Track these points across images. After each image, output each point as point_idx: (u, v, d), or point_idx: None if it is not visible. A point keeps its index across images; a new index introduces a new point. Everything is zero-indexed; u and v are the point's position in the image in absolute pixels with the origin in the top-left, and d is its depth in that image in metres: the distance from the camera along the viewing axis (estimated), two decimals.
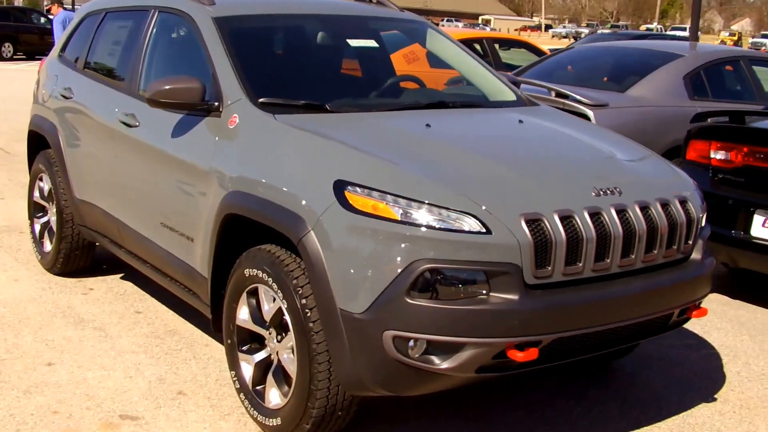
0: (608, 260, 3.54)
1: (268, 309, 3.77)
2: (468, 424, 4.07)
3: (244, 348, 3.99)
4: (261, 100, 4.11)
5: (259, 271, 3.73)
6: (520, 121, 4.38)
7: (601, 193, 3.60)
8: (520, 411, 4.21)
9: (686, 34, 44.38)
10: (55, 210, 5.78)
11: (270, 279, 3.67)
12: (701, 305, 3.97)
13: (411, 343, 3.33)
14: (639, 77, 7.37)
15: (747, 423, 4.25)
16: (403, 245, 3.30)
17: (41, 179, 5.98)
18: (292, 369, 3.66)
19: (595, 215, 3.51)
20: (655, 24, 68.07)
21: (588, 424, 4.14)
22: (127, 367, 4.55)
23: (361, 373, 3.41)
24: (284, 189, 3.63)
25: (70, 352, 4.71)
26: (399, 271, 3.28)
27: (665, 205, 3.75)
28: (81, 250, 5.75)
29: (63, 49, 6.07)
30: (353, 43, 5.08)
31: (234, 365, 4.03)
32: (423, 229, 3.31)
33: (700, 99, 7.32)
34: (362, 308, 3.34)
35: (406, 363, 3.35)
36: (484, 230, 3.29)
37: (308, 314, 3.51)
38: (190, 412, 4.08)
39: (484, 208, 3.35)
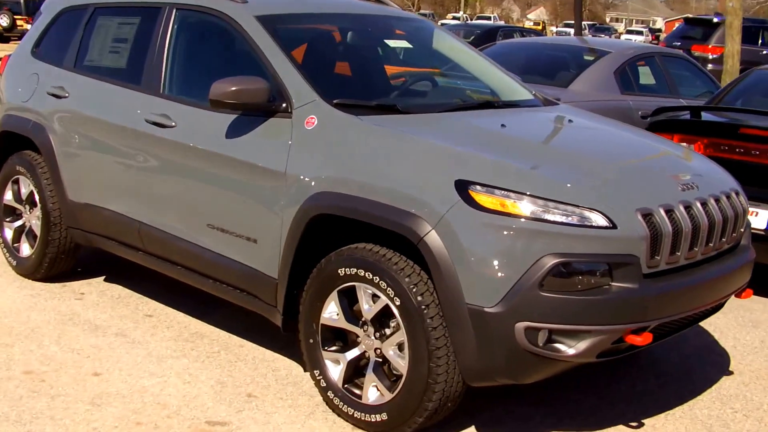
0: (696, 249, 3.87)
1: (368, 308, 3.85)
2: (539, 410, 4.30)
3: (331, 347, 4.05)
4: (336, 101, 4.16)
5: (360, 270, 3.80)
6: (570, 121, 4.65)
7: (686, 188, 3.93)
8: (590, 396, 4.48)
9: (491, 23, 46.18)
10: (38, 213, 5.53)
11: (375, 278, 3.75)
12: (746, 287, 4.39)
13: (540, 333, 3.53)
14: (575, 73, 7.81)
15: (754, 390, 4.71)
16: (534, 241, 3.49)
17: (16, 182, 5.70)
18: (401, 364, 3.77)
19: (688, 208, 3.83)
20: (461, 14, 70.42)
21: (635, 399, 4.46)
22: (178, 373, 4.48)
23: (488, 364, 3.58)
24: (395, 189, 3.72)
25: (108, 361, 4.58)
26: (530, 265, 3.47)
27: (728, 197, 4.13)
28: (67, 253, 5.55)
29: (37, 45, 5.79)
30: (391, 43, 5.18)
31: (317, 364, 4.08)
32: (553, 225, 3.51)
33: (628, 93, 7.86)
34: (492, 302, 3.51)
35: (534, 352, 3.54)
36: (609, 225, 3.54)
37: (425, 311, 3.63)
38: (272, 413, 4.10)
39: (607, 203, 3.59)
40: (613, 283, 3.56)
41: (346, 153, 3.96)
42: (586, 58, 8.03)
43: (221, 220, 4.42)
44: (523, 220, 3.52)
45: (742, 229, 4.28)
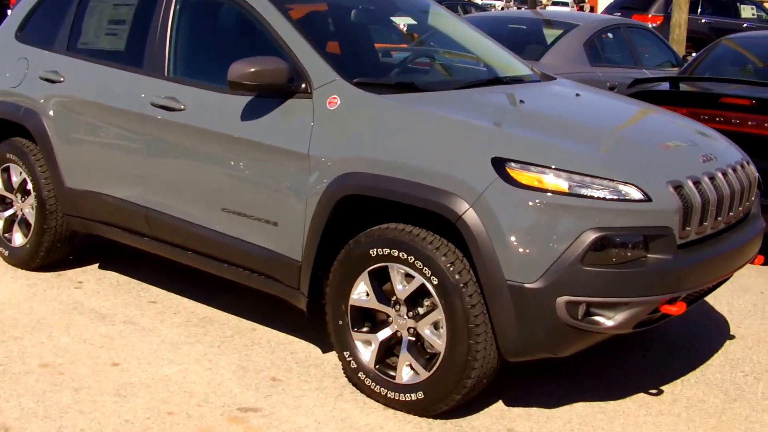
0: (720, 218, 3.93)
1: (402, 288, 3.81)
2: (562, 383, 4.34)
3: (361, 328, 4.02)
4: (356, 80, 4.10)
5: (394, 250, 3.76)
6: (577, 95, 4.66)
7: (706, 159, 3.98)
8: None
9: None
10: (31, 202, 5.36)
11: (410, 257, 3.72)
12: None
13: (580, 306, 3.55)
14: (544, 47, 7.84)
15: (759, 353, 4.82)
16: (574, 216, 3.50)
17: (6, 170, 5.51)
18: (438, 343, 3.75)
19: (711, 179, 3.88)
20: None
21: (649, 368, 4.53)
22: (197, 359, 4.40)
23: (529, 339, 3.58)
24: (429, 168, 3.68)
25: (124, 350, 4.48)
26: (572, 240, 3.48)
27: (742, 167, 4.19)
28: (63, 242, 5.40)
29: (21, 28, 5.57)
30: (396, 20, 5.12)
31: (346, 346, 4.04)
32: (592, 200, 3.52)
33: (597, 65, 7.93)
34: (533, 278, 3.51)
35: (574, 326, 3.56)
36: (645, 198, 3.56)
37: (464, 289, 3.62)
38: (300, 397, 4.05)
39: (640, 177, 3.61)
40: (649, 255, 3.59)
41: (374, 132, 3.91)
42: (551, 30, 8.06)
43: (237, 204, 4.34)
44: (562, 195, 3.52)
45: (753, 198, 4.35)
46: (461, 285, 3.62)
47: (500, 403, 4.08)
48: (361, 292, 3.96)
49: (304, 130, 4.04)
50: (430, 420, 3.88)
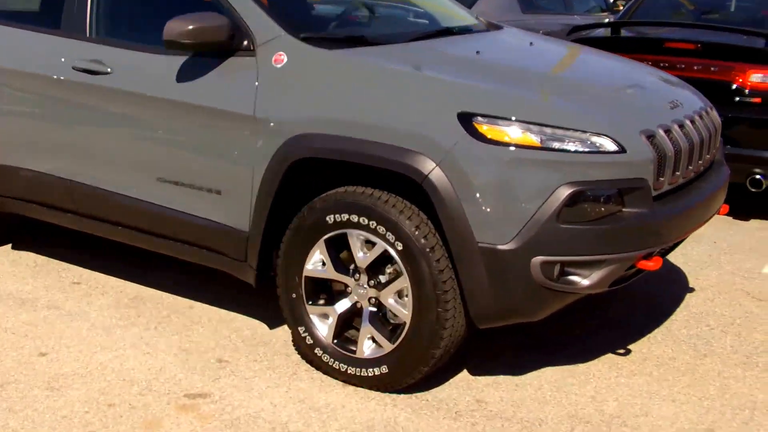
0: (691, 167, 3.88)
1: (363, 255, 3.66)
2: (525, 348, 4.26)
3: (317, 301, 3.86)
4: (303, 35, 3.90)
5: (353, 216, 3.60)
6: (531, 44, 4.55)
7: (673, 106, 3.92)
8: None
9: None
10: None
11: (372, 222, 3.56)
12: None
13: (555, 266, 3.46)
14: None
15: (737, 305, 4.85)
16: (548, 171, 3.38)
17: None
18: (403, 313, 3.62)
19: (681, 127, 3.82)
20: None
21: (613, 327, 4.51)
22: (133, 344, 4.18)
23: (502, 303, 3.48)
24: (391, 126, 3.51)
25: (50, 338, 4.22)
26: (546, 197, 3.37)
27: (707, 113, 4.16)
28: None
29: None
30: None
31: (301, 321, 3.88)
32: (565, 153, 3.41)
33: (528, 12, 7.86)
34: (506, 239, 3.40)
35: (550, 287, 3.47)
36: (619, 149, 3.47)
37: (431, 254, 3.49)
38: (251, 378, 3.87)
39: (612, 127, 3.52)
40: (624, 209, 3.50)
41: (326, 90, 3.72)
42: None
43: (175, 173, 4.10)
44: (533, 150, 3.40)
45: (718, 145, 4.33)
46: (428, 249, 3.49)
47: (465, 373, 3.97)
48: (316, 262, 3.79)
49: (249, 90, 3.83)
50: (394, 395, 3.75)
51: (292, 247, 3.80)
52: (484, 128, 3.40)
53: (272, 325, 4.35)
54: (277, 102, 3.75)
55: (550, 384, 3.90)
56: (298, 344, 3.95)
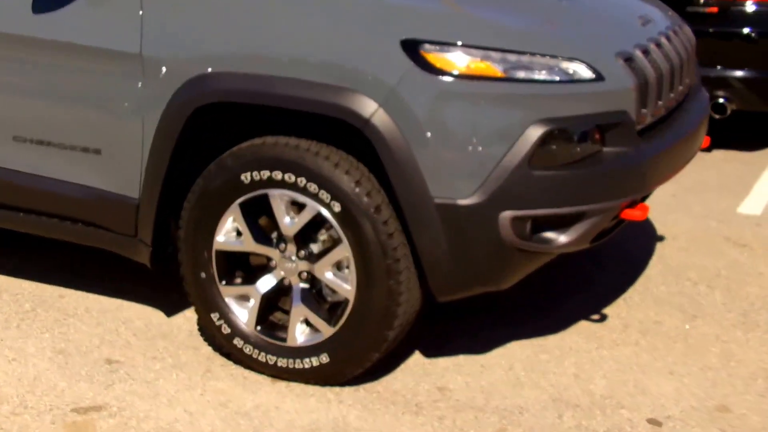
0: (672, 95, 4.02)
1: (290, 220, 3.67)
2: (486, 321, 4.36)
3: (233, 280, 3.88)
4: None
5: (276, 172, 3.58)
6: None
7: (645, 23, 4.02)
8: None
9: None
10: None
11: (300, 180, 3.56)
12: None
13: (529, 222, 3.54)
14: None
15: (717, 253, 5.10)
16: (514, 107, 3.41)
17: None
18: (346, 288, 3.63)
19: (658, 46, 3.93)
20: None
21: (583, 290, 4.68)
22: None
23: (465, 271, 3.50)
24: (319, 61, 3.48)
25: None
26: (515, 139, 3.40)
27: (681, 28, 4.29)
28: None
29: None
30: None
31: (213, 305, 3.84)
32: (534, 84, 3.46)
33: None
34: (468, 193, 3.42)
35: (522, 247, 3.53)
36: (596, 77, 3.55)
37: (377, 215, 3.53)
38: (154, 381, 3.81)
39: (586, 51, 3.59)
40: (605, 149, 3.56)
41: (235, 18, 3.65)
42: None
43: (37, 130, 4.00)
44: (497, 82, 3.42)
45: (694, 67, 4.49)
46: (372, 210, 3.51)
47: (418, 355, 4.01)
48: (229, 232, 3.76)
49: (131, 22, 3.75)
50: (338, 389, 3.76)
51: (198, 215, 3.76)
52: (435, 57, 3.41)
53: (170, 312, 4.31)
54: (169, 36, 3.68)
55: (521, 363, 3.98)
56: (211, 334, 3.92)
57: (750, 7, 6.31)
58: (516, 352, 4.04)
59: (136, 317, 4.28)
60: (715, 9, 6.19)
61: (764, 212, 5.60)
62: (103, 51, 3.77)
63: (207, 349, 4.01)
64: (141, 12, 3.68)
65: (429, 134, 3.36)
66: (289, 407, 3.65)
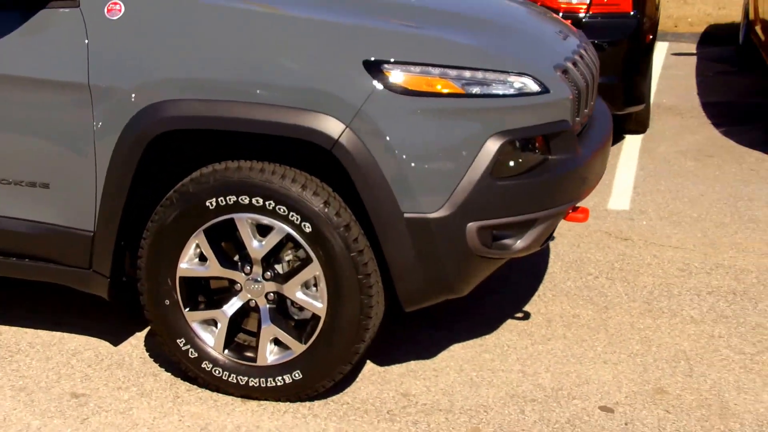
0: (592, 102, 3.94)
1: (258, 244, 3.41)
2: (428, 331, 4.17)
3: (198, 305, 3.57)
4: None
5: (243, 197, 3.32)
6: None
7: (564, 38, 3.95)
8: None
9: None
10: None
11: (269, 203, 3.31)
12: None
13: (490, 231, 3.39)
14: None
15: (605, 248, 5.06)
16: (474, 121, 3.28)
17: None
18: (317, 306, 3.41)
19: (581, 58, 3.85)
20: None
21: (498, 289, 4.54)
22: None
23: (432, 281, 3.35)
24: (282, 84, 3.25)
25: None
26: (476, 151, 3.27)
27: (587, 43, 4.23)
28: None
29: None
30: None
31: (179, 332, 3.55)
32: (490, 98, 3.32)
33: None
34: (436, 206, 3.27)
35: (484, 254, 3.40)
36: (543, 89, 3.42)
37: (347, 234, 3.32)
38: (126, 412, 3.49)
39: (531, 66, 3.46)
40: (551, 157, 3.47)
41: (191, 44, 3.37)
42: None
43: None
44: (457, 98, 3.28)
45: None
46: (342, 228, 3.30)
47: (372, 365, 3.82)
48: (192, 259, 3.48)
49: (77, 51, 3.41)
50: (308, 403, 3.55)
51: (159, 243, 3.46)
52: (398, 77, 3.23)
53: (114, 341, 3.98)
54: (119, 64, 3.36)
55: (469, 363, 3.85)
56: (177, 359, 3.60)
57: (599, 18, 6.30)
58: (461, 354, 3.90)
59: (83, 348, 3.92)
60: (568, 21, 6.19)
61: (632, 206, 5.62)
62: (49, 82, 3.40)
63: (166, 375, 3.72)
64: (86, 41, 3.31)
65: (396, 151, 3.19)
66: (269, 425, 3.44)
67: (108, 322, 4.03)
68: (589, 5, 6.15)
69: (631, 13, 6.22)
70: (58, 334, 4.05)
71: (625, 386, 3.69)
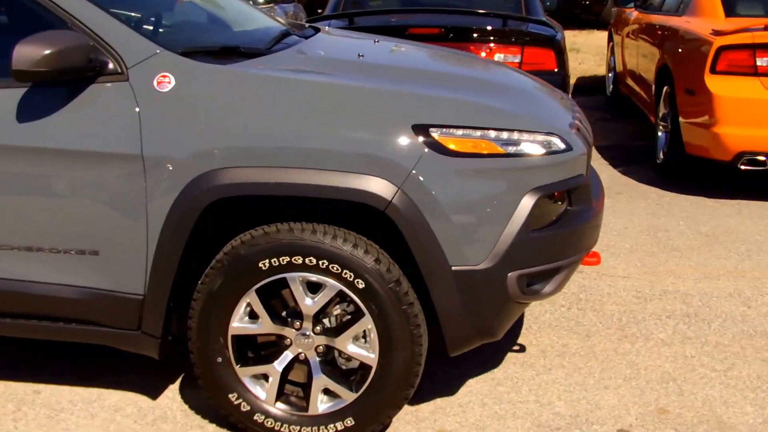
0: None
1: (311, 301, 3.17)
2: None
3: (249, 361, 3.29)
4: (183, 49, 3.25)
5: (296, 257, 3.10)
6: (376, 42, 4.21)
7: (561, 97, 3.85)
8: None
9: None
10: None
11: (323, 262, 3.09)
12: None
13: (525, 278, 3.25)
14: None
15: None
16: (512, 179, 3.16)
17: None
18: (369, 357, 3.19)
19: (580, 119, 3.75)
20: None
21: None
22: None
23: (476, 327, 3.22)
24: (335, 150, 3.04)
25: None
26: (517, 206, 3.14)
27: (577, 106, 4.13)
28: None
29: None
30: None
31: (230, 387, 3.29)
32: (526, 158, 3.20)
33: None
34: (480, 259, 3.12)
35: (520, 300, 3.26)
36: (567, 147, 3.30)
37: (398, 288, 3.11)
38: None
39: (554, 125, 3.35)
40: (570, 208, 3.37)
41: (241, 115, 3.12)
42: None
43: (24, 237, 3.25)
44: (497, 158, 3.14)
45: None
46: (393, 283, 3.09)
47: None
48: (243, 317, 3.21)
49: (129, 123, 3.12)
50: None
51: (211, 304, 3.18)
52: (445, 139, 3.06)
53: (153, 395, 3.66)
54: (171, 135, 3.10)
55: (488, 397, 3.70)
56: (227, 412, 3.31)
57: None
58: (478, 389, 3.75)
59: (123, 404, 3.61)
60: None
61: None
62: (100, 154, 3.08)
63: (212, 427, 3.48)
64: (138, 112, 3.00)
65: (444, 209, 3.04)
66: None
67: (134, 373, 3.75)
68: (521, 64, 6.06)
69: (556, 70, 6.16)
70: (94, 390, 3.72)
71: (633, 409, 3.61)
